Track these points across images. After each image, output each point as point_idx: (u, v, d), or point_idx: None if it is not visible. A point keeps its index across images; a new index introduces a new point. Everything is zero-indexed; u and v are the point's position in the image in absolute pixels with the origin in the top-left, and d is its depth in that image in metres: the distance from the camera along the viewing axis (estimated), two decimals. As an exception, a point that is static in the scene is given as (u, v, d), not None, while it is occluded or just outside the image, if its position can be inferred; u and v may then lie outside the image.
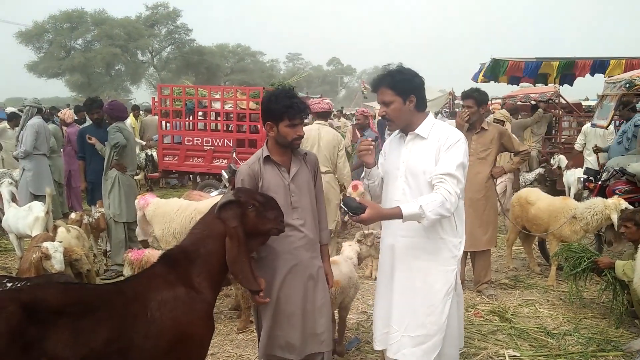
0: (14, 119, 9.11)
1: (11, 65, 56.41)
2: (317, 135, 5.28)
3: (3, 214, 5.71)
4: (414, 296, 2.68)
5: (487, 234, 4.89)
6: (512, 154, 5.09)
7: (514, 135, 5.16)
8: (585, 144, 7.91)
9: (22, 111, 7.69)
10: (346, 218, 6.53)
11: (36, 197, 6.74)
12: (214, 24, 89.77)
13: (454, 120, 6.48)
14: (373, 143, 2.81)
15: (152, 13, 45.64)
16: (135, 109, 13.23)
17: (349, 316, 4.03)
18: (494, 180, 4.97)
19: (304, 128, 3.12)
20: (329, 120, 6.33)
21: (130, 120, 12.26)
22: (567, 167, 8.29)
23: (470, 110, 4.74)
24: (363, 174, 2.96)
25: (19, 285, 3.34)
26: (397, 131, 2.84)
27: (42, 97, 44.43)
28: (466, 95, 4.85)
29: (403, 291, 2.70)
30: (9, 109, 9.48)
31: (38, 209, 5.43)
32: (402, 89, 2.61)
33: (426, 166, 2.60)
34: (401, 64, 2.71)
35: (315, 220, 2.88)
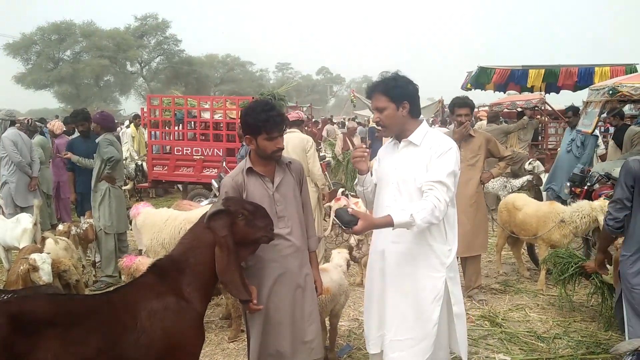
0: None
1: (1, 77, 56.03)
2: (285, 141, 5.43)
3: None
4: (403, 300, 2.70)
5: (478, 238, 4.94)
6: (498, 159, 5.16)
7: (498, 142, 5.23)
8: None
9: None
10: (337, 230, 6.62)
11: (22, 209, 6.71)
12: (203, 35, 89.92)
13: (446, 129, 6.55)
14: (367, 150, 2.84)
15: (141, 24, 45.63)
16: (137, 118, 13.07)
17: (340, 323, 4.03)
18: (483, 186, 5.03)
19: None
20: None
21: (130, 130, 12.18)
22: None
23: (467, 118, 4.79)
24: (356, 180, 2.99)
25: (5, 297, 3.32)
26: (391, 138, 2.88)
27: (30, 109, 44.38)
28: (463, 103, 4.84)
29: (394, 295, 2.73)
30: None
31: (26, 220, 5.39)
32: (395, 95, 2.64)
33: (417, 173, 2.63)
34: (398, 71, 2.75)
35: (303, 228, 2.89)
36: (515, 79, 10.87)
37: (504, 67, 10.93)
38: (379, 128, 2.90)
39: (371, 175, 2.93)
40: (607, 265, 3.66)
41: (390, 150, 2.85)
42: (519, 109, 10.86)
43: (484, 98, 15.05)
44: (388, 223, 2.46)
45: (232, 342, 4.18)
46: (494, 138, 5.19)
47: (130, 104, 46.76)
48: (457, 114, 4.84)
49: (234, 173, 2.82)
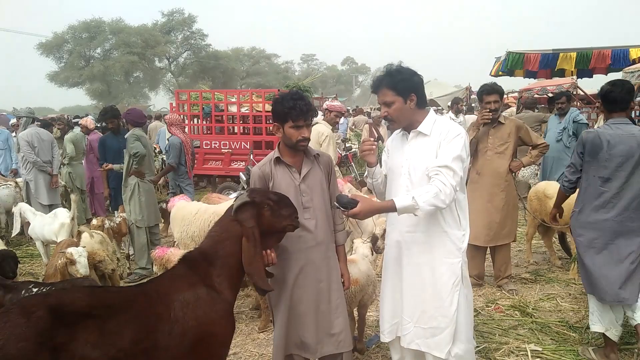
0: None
1: (34, 76, 57.70)
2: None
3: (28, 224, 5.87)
4: (423, 289, 2.72)
5: (506, 227, 4.86)
6: (530, 147, 5.03)
7: (530, 129, 5.10)
8: None
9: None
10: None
11: (49, 206, 6.97)
12: (228, 29, 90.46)
13: (472, 116, 6.44)
14: (375, 143, 2.84)
15: (168, 20, 46.18)
16: (158, 118, 13.31)
17: (368, 313, 4.06)
18: (513, 174, 4.93)
19: None
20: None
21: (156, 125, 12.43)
22: None
23: (496, 105, 4.69)
24: (366, 173, 2.99)
25: (44, 290, 3.46)
26: (399, 129, 2.88)
27: (63, 106, 45.52)
28: (491, 89, 4.74)
29: (412, 284, 2.75)
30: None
31: (63, 215, 5.58)
32: (402, 89, 2.64)
33: (428, 162, 2.64)
34: (400, 62, 2.74)
35: (329, 221, 2.90)
36: (545, 63, 10.60)
37: (533, 52, 10.67)
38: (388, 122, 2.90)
39: (380, 166, 2.95)
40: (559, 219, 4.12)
41: (399, 142, 2.86)
42: (550, 95, 10.59)
43: (513, 84, 14.74)
44: (390, 207, 2.49)
45: (262, 332, 4.26)
46: (526, 125, 5.08)
47: (159, 99, 47.55)
48: (485, 101, 4.74)
49: (261, 163, 2.87)
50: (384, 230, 4.25)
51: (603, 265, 3.40)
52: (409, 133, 2.76)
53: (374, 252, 4.25)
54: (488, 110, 4.68)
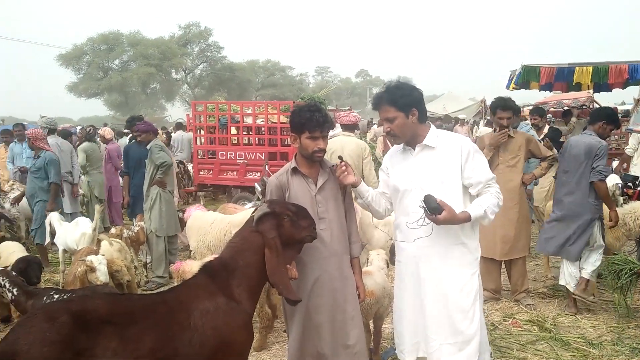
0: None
1: (54, 87, 58.79)
2: (339, 146, 5.38)
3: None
4: (446, 303, 2.70)
5: (521, 241, 4.85)
6: (540, 159, 5.05)
7: (539, 142, 5.12)
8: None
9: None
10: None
11: (70, 214, 7.08)
12: (244, 41, 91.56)
13: (488, 128, 6.43)
14: (345, 163, 2.82)
15: (185, 32, 46.82)
16: (179, 126, 13.45)
17: (384, 325, 4.04)
18: (525, 187, 4.94)
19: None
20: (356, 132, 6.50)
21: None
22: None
23: (509, 122, 4.71)
24: (354, 195, 2.99)
25: (65, 297, 3.51)
26: (396, 146, 2.89)
27: (82, 117, 46.18)
28: (506, 106, 4.74)
29: (435, 299, 2.72)
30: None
31: (85, 224, 5.68)
32: (403, 104, 2.67)
33: (444, 176, 2.68)
34: (399, 78, 2.78)
35: (344, 232, 2.90)
36: (561, 77, 10.52)
37: (549, 66, 10.60)
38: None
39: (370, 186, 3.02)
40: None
41: (402, 157, 2.87)
42: (566, 108, 10.53)
43: (529, 97, 14.63)
44: (467, 218, 2.60)
45: (259, 349, 4.13)
46: (534, 138, 5.08)
47: (175, 111, 48.06)
48: (499, 116, 4.75)
49: (278, 173, 2.90)
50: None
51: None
52: (414, 148, 2.78)
53: (389, 264, 4.24)
54: (501, 125, 4.71)
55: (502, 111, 4.73)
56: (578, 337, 4.19)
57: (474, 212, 2.60)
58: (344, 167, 2.77)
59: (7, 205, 7.34)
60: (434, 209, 2.51)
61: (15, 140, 8.57)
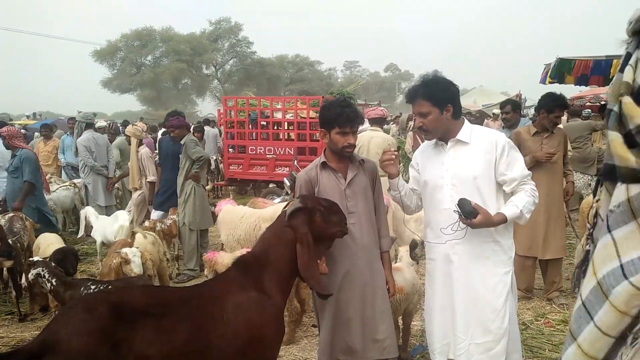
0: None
1: (89, 82, 60.32)
2: (367, 140, 5.40)
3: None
4: (476, 303, 2.66)
5: (561, 240, 4.77)
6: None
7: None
8: None
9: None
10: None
11: (105, 207, 7.28)
12: (273, 36, 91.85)
13: (526, 121, 6.31)
14: (396, 153, 2.82)
15: (216, 28, 47.35)
16: (207, 122, 13.63)
17: (412, 323, 4.03)
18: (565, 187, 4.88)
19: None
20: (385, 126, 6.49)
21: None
22: None
23: (559, 120, 4.67)
24: (388, 186, 2.97)
25: (101, 287, 3.62)
26: (428, 141, 2.85)
27: (115, 111, 47.28)
28: (562, 104, 4.66)
29: (466, 299, 2.69)
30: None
31: (123, 217, 5.85)
32: (438, 100, 2.62)
33: (477, 172, 2.62)
34: (436, 72, 2.71)
35: (373, 226, 2.90)
36: (598, 70, 10.21)
37: (585, 58, 10.29)
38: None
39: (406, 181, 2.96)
40: None
41: (433, 153, 2.81)
42: (602, 102, 10.21)
43: (564, 91, 14.25)
44: (502, 220, 2.55)
45: (289, 344, 4.18)
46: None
47: (206, 106, 48.76)
48: (556, 114, 4.64)
49: (308, 168, 2.92)
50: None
51: None
52: (446, 143, 2.72)
53: (418, 261, 4.22)
54: (554, 123, 4.65)
55: (561, 110, 4.64)
56: (613, 339, 4.08)
57: (509, 212, 2.55)
58: (393, 156, 2.77)
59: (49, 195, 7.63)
60: (469, 213, 2.46)
61: (67, 132, 8.98)
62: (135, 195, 7.28)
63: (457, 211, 2.51)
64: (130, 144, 7.19)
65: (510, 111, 5.94)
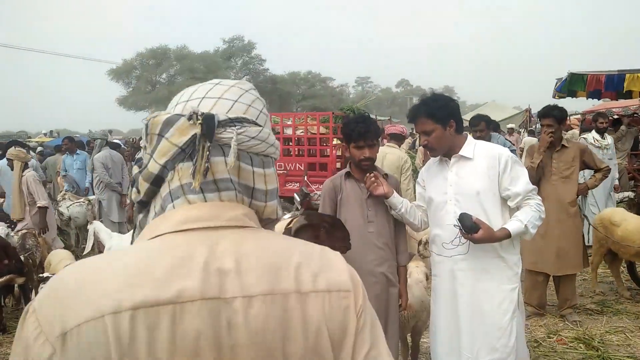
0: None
1: (105, 100, 61.42)
2: (382, 157, 5.38)
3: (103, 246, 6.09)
4: (482, 320, 2.63)
5: (575, 257, 4.66)
6: (594, 171, 4.86)
7: (594, 152, 4.93)
8: None
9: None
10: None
11: (118, 224, 7.35)
12: (286, 53, 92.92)
13: (532, 138, 6.25)
14: (376, 174, 2.84)
15: (229, 46, 48.02)
16: None
17: (422, 340, 3.98)
18: (579, 198, 4.79)
19: None
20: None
21: None
22: None
23: (551, 129, 4.56)
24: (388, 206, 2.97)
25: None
26: (433, 158, 2.88)
27: (131, 129, 47.87)
28: (544, 113, 4.64)
29: (471, 316, 2.66)
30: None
31: None
32: (440, 116, 2.65)
33: (480, 187, 2.62)
34: (433, 91, 2.84)
35: (392, 238, 2.95)
36: (610, 85, 10.14)
37: (597, 73, 10.24)
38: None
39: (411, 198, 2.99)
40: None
41: (438, 169, 2.83)
42: (615, 117, 10.12)
43: (576, 106, 14.16)
44: (506, 236, 2.54)
45: None
46: (589, 149, 4.92)
47: (218, 122, 49.17)
48: (541, 124, 4.70)
49: (334, 176, 3.08)
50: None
51: None
52: (450, 159, 2.74)
53: (428, 277, 4.19)
54: (549, 134, 4.57)
55: (542, 118, 4.69)
56: (628, 357, 4.00)
57: (513, 228, 2.53)
58: (372, 178, 2.80)
59: (63, 210, 7.75)
60: (470, 228, 2.46)
61: (67, 153, 9.07)
62: (19, 226, 6.26)
63: (458, 226, 2.50)
64: (13, 169, 6.43)
65: (484, 129, 5.59)
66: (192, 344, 0.70)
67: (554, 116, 4.59)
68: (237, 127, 0.82)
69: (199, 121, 0.79)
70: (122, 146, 11.99)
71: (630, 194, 7.66)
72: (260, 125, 0.88)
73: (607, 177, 4.93)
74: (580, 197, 7.02)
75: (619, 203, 7.59)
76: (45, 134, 27.59)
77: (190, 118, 0.80)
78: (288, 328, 0.75)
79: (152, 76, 45.55)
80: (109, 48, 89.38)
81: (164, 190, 0.82)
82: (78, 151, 9.31)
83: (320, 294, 0.78)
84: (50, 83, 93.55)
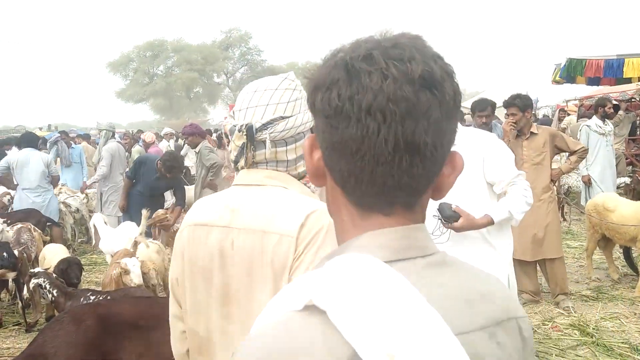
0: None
1: (103, 93, 61.22)
2: None
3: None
4: None
5: (552, 241, 4.66)
6: (569, 154, 4.88)
7: (566, 135, 4.93)
8: None
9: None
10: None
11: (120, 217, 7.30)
12: (283, 44, 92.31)
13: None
14: None
15: (226, 37, 47.80)
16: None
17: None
18: (554, 184, 4.78)
19: None
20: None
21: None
22: None
23: (515, 118, 4.56)
24: None
25: (100, 298, 3.63)
26: None
27: (129, 121, 47.90)
28: (508, 103, 4.66)
29: None
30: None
31: (132, 229, 5.79)
32: None
33: (464, 175, 2.57)
34: None
35: None
36: (609, 70, 10.05)
37: (596, 58, 10.16)
38: None
39: None
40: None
41: None
42: (615, 102, 10.04)
43: (575, 92, 14.02)
44: (488, 222, 2.52)
45: None
46: (560, 132, 4.91)
47: (217, 113, 49.15)
48: (506, 114, 4.72)
49: None
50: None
51: None
52: None
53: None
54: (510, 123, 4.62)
55: (506, 108, 4.68)
56: (622, 342, 3.99)
57: (496, 215, 2.51)
58: None
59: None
60: (448, 217, 2.44)
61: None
62: None
63: (437, 216, 2.48)
64: None
65: (491, 113, 5.11)
66: (214, 246, 1.21)
67: (516, 105, 4.56)
68: (268, 129, 1.23)
69: (244, 132, 1.23)
70: (119, 139, 11.94)
71: (627, 180, 7.62)
72: (288, 117, 1.26)
73: (583, 158, 4.94)
74: (584, 187, 7.04)
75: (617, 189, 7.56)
76: (40, 128, 27.50)
77: (240, 130, 1.24)
78: (260, 251, 1.17)
79: (149, 68, 45.41)
80: (107, 41, 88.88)
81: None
82: (73, 145, 9.29)
83: (274, 234, 1.16)
84: (47, 76, 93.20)
